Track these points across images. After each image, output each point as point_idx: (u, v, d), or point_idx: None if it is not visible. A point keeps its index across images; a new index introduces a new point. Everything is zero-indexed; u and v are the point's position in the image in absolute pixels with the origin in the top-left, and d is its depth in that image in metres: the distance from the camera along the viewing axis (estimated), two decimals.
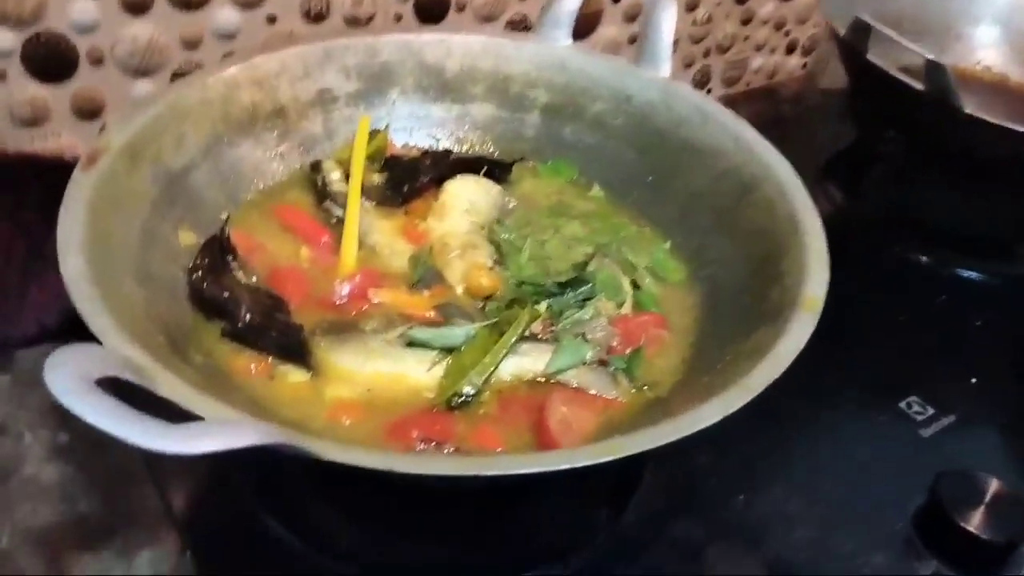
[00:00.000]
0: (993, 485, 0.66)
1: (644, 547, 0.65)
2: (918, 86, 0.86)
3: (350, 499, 0.64)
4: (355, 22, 0.90)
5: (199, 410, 0.43)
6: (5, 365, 0.73)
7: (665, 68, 0.76)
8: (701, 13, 1.19)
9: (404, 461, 0.42)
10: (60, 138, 0.80)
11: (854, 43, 0.93)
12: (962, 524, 0.64)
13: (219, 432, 0.37)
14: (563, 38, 0.80)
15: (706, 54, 1.25)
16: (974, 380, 0.83)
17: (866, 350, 0.85)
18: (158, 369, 0.45)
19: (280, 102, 0.74)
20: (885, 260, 0.98)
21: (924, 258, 0.98)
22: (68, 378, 0.37)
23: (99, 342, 0.47)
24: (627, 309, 0.65)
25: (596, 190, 0.78)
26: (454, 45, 0.80)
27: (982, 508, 0.65)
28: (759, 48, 1.31)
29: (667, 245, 0.72)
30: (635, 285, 0.67)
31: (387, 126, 0.78)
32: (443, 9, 0.95)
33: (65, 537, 0.62)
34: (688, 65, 1.24)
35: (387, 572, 0.61)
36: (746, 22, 1.26)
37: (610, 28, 1.10)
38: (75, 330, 0.49)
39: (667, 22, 0.76)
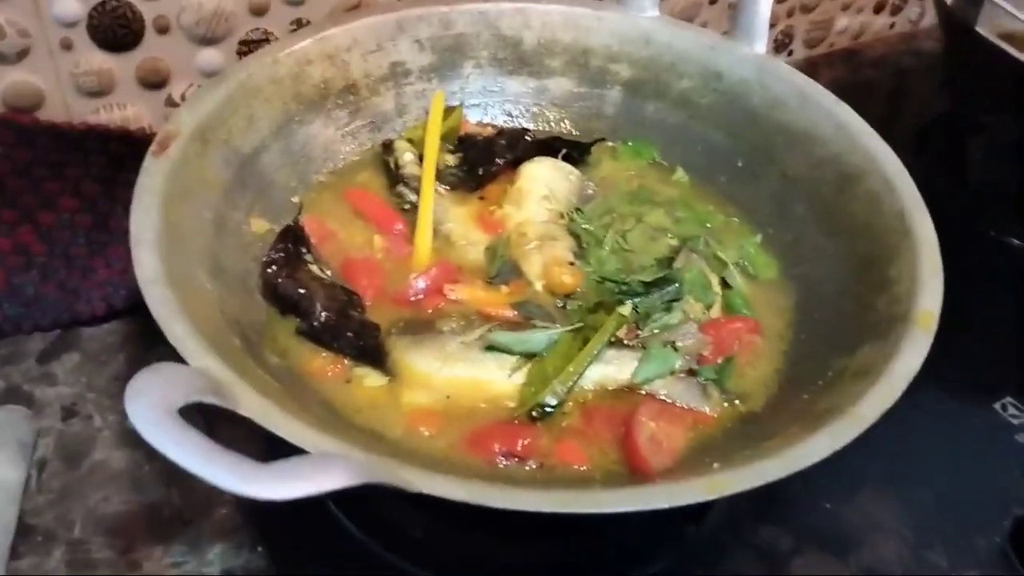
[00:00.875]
0: None
1: (726, 553, 0.62)
2: None
3: (424, 497, 0.63)
4: None
5: (282, 432, 0.41)
6: (73, 343, 0.73)
7: (760, 44, 0.71)
8: None
9: (502, 496, 0.39)
10: (125, 109, 0.78)
11: (961, 11, 0.86)
12: None
13: (310, 474, 0.35)
14: (649, 8, 0.75)
15: (790, 14, 1.18)
16: None
17: (958, 344, 0.80)
18: (238, 383, 0.43)
19: (352, 77, 0.71)
20: (981, 245, 0.92)
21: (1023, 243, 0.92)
22: (150, 409, 0.36)
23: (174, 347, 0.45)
24: (716, 311, 0.61)
25: (680, 174, 0.73)
26: (532, 15, 0.75)
27: None
28: (845, 8, 1.23)
29: (758, 238, 0.67)
30: (724, 284, 0.63)
31: (461, 104, 0.74)
32: None
33: (137, 527, 0.61)
34: (771, 26, 1.17)
35: (461, 572, 0.59)
36: None
37: None
38: (141, 308, 0.48)
39: None
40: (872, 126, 0.66)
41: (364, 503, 0.61)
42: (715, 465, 0.45)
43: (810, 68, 1.24)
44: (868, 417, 0.45)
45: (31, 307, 0.72)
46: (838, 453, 0.68)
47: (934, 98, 1.14)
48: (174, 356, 0.45)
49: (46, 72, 0.72)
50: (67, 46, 0.72)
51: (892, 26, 1.29)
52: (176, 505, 0.63)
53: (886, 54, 1.27)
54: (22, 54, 0.70)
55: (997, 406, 0.75)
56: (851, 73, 1.24)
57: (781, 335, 0.61)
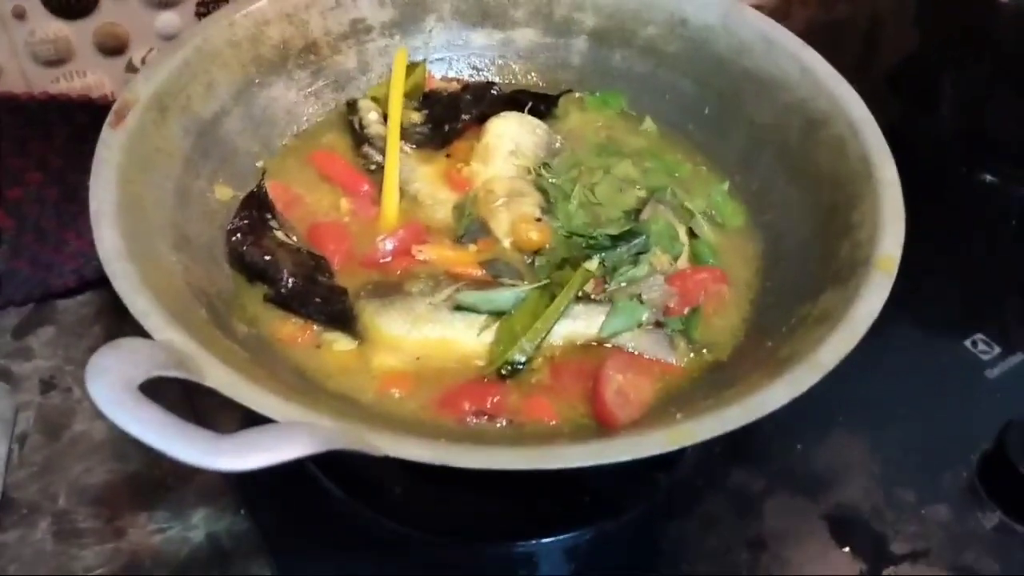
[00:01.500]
0: None
1: (700, 497, 0.63)
2: None
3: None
4: None
5: (247, 402, 0.42)
6: (48, 316, 0.73)
7: None
8: None
9: (467, 456, 0.40)
10: (85, 76, 0.77)
11: None
12: None
13: (272, 444, 0.35)
14: None
15: None
16: None
17: (930, 281, 0.81)
18: (203, 355, 0.44)
19: (312, 36, 0.70)
20: (953, 181, 0.92)
21: (995, 179, 0.92)
22: (111, 387, 0.36)
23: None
24: (683, 262, 0.61)
25: (648, 123, 0.73)
26: None
27: None
28: None
29: (725, 186, 0.67)
30: (691, 234, 0.63)
31: (424, 60, 0.73)
32: None
33: (120, 496, 0.63)
34: None
35: (442, 527, 0.60)
36: None
37: None
38: None
39: None
40: (846, 64, 0.66)
41: (344, 464, 0.62)
42: (678, 415, 0.46)
43: (784, 7, 1.22)
44: (827, 364, 0.46)
45: (3, 282, 0.72)
46: (810, 394, 0.69)
47: (908, 35, 1.13)
48: (142, 330, 0.45)
49: (0, 43, 0.71)
50: (19, 15, 0.71)
51: None
52: (159, 472, 0.64)
53: None
54: None
55: (968, 343, 0.76)
56: (825, 12, 1.23)
57: (748, 284, 0.61)
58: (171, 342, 0.44)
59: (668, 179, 0.68)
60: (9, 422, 0.65)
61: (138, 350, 0.39)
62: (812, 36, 0.88)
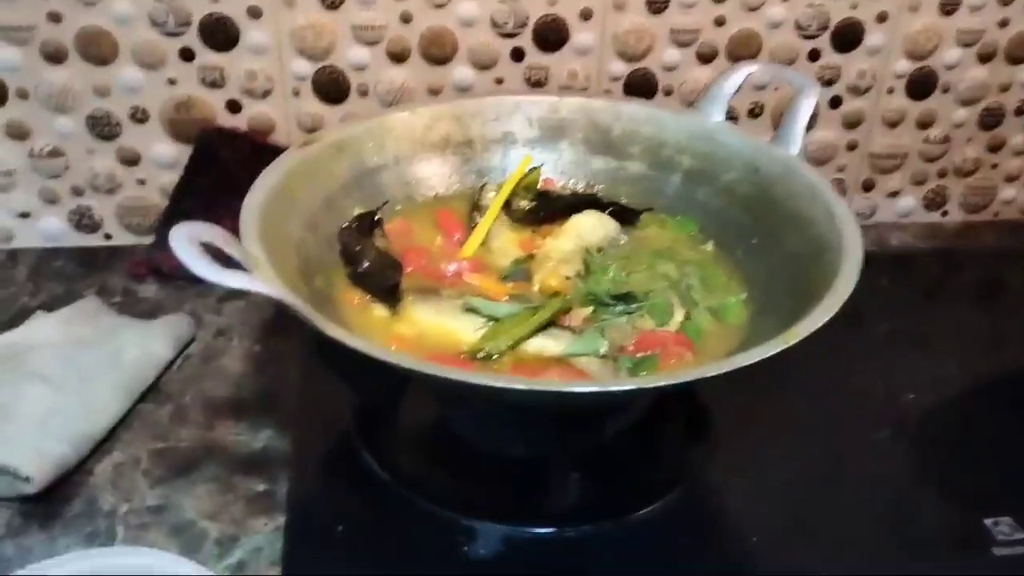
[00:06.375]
0: None
1: None
2: None
3: (443, 449, 0.81)
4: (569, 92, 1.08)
5: (279, 296, 0.62)
6: (243, 295, 1.00)
7: (795, 148, 0.84)
8: (935, 132, 1.19)
9: (380, 352, 0.57)
10: None
11: None
12: None
13: (249, 279, 0.55)
14: (717, 115, 0.90)
15: (942, 174, 1.23)
16: None
17: (961, 462, 0.83)
18: (260, 260, 0.65)
19: (470, 136, 0.94)
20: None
21: None
22: (181, 236, 0.58)
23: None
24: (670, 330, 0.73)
25: (709, 245, 0.86)
26: (623, 111, 0.94)
27: None
28: (1011, 179, 1.25)
29: (743, 296, 0.78)
30: (688, 316, 0.74)
31: (541, 165, 0.93)
32: (651, 91, 1.10)
33: (224, 408, 0.85)
34: (919, 183, 1.23)
35: (457, 507, 0.74)
36: (995, 149, 1.22)
37: (827, 132, 1.16)
38: None
39: (804, 109, 0.84)
40: None
41: (388, 445, 0.79)
42: None
43: (969, 231, 1.27)
44: (707, 375, 0.56)
45: None
46: None
47: None
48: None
49: (280, 109, 1.04)
50: (296, 93, 1.03)
51: None
52: (253, 400, 0.86)
53: None
54: (266, 93, 1.03)
55: (989, 521, 0.75)
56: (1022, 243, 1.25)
57: (714, 358, 0.70)
58: (251, 253, 0.66)
59: (697, 281, 0.79)
60: (184, 341, 0.91)
61: (206, 227, 0.60)
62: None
